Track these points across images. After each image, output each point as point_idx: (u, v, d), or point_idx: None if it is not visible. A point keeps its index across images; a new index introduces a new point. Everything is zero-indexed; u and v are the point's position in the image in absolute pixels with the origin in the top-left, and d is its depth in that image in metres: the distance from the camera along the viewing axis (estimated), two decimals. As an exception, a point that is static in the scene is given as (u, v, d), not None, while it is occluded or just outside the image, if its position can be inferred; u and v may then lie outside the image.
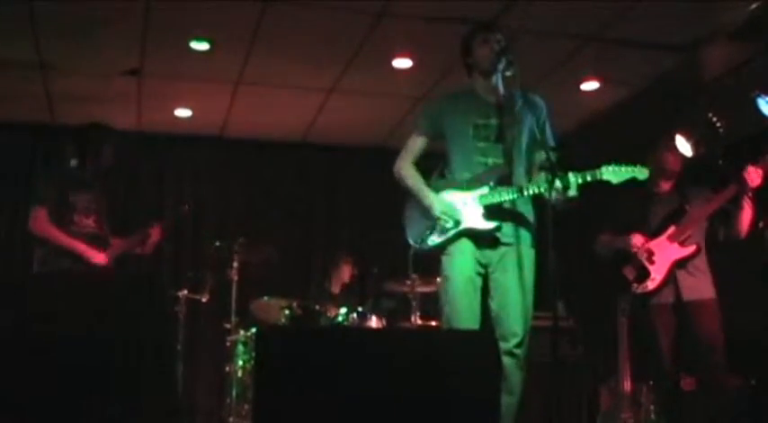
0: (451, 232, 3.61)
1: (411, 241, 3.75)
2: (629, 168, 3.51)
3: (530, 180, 3.64)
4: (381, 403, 2.61)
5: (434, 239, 3.65)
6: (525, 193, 3.54)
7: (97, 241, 4.74)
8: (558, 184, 3.33)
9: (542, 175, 3.41)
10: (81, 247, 4.62)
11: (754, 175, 4.23)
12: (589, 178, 3.46)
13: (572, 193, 3.37)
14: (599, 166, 3.48)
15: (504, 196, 3.56)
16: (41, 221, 4.62)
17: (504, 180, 3.60)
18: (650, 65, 5.81)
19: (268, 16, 5.15)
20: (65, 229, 4.64)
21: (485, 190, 3.59)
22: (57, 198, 4.68)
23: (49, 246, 4.61)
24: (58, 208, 4.66)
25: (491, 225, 3.58)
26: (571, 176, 3.39)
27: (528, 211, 3.67)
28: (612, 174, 3.48)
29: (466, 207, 3.61)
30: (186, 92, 6.52)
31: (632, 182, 3.53)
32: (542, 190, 3.41)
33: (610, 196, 4.78)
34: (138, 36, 5.42)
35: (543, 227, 3.41)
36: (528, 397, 3.58)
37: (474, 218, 3.60)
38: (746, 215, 4.35)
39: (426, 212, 3.68)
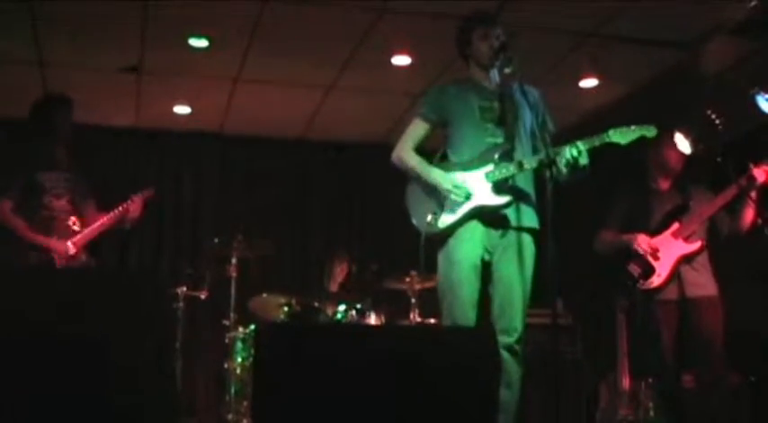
0: (463, 209, 3.55)
1: (419, 226, 3.66)
2: (637, 128, 3.46)
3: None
4: (380, 400, 2.61)
5: (445, 221, 3.57)
6: (526, 167, 3.49)
7: (65, 228, 4.53)
8: (568, 155, 3.35)
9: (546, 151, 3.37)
10: (43, 242, 4.44)
11: (760, 173, 4.24)
12: (597, 143, 3.42)
13: (583, 161, 3.36)
14: (605, 131, 3.45)
15: (512, 170, 3.52)
16: (5, 212, 4.45)
17: (507, 156, 3.57)
18: (649, 61, 5.80)
19: (267, 13, 5.14)
20: (34, 213, 4.46)
21: (490, 167, 3.55)
22: (23, 182, 4.49)
23: (14, 238, 4.44)
24: (25, 192, 4.49)
25: (503, 200, 3.53)
26: (579, 143, 3.39)
27: (532, 195, 3.64)
28: (620, 135, 3.44)
29: (474, 185, 3.57)
30: (185, 89, 6.52)
31: (641, 140, 3.47)
32: (543, 158, 3.34)
33: (609, 192, 4.79)
34: (136, 33, 5.41)
35: (543, 222, 3.41)
36: (527, 393, 3.57)
37: (484, 194, 3.55)
38: (750, 211, 4.36)
39: (432, 193, 3.64)
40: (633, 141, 3.47)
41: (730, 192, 4.35)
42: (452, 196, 3.56)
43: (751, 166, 4.27)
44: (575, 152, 3.37)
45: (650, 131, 3.49)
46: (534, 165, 3.48)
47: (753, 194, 4.29)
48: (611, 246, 4.66)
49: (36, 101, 4.76)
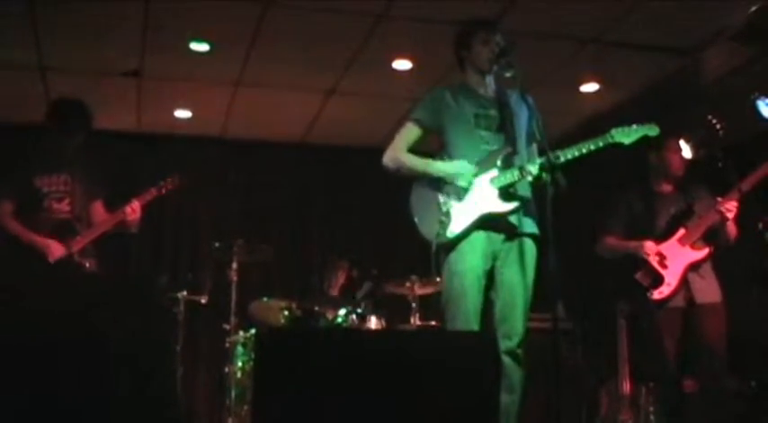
0: (472, 217, 3.51)
1: (427, 236, 3.59)
2: (639, 127, 3.50)
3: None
4: (381, 404, 2.61)
5: (453, 230, 3.52)
6: (527, 172, 3.45)
7: (64, 230, 4.48)
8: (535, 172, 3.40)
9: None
10: (38, 241, 4.40)
11: (729, 208, 4.28)
12: (601, 143, 3.44)
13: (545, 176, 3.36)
14: (608, 131, 3.47)
15: (516, 176, 3.50)
16: (4, 214, 4.43)
17: (509, 161, 3.55)
18: (650, 67, 5.81)
19: (268, 17, 5.15)
20: (35, 218, 4.44)
21: (495, 172, 3.54)
22: (23, 187, 4.47)
23: (11, 241, 4.40)
24: (25, 198, 4.47)
25: (510, 206, 3.51)
26: (588, 144, 3.43)
27: (531, 200, 3.62)
28: (623, 135, 3.47)
29: (480, 191, 3.55)
30: (186, 93, 6.52)
31: (644, 140, 3.52)
32: (544, 162, 3.34)
33: (611, 195, 4.78)
34: (138, 37, 5.42)
35: (543, 227, 3.40)
36: (527, 399, 3.57)
37: (491, 201, 3.53)
38: (732, 226, 4.42)
39: (435, 203, 3.60)
40: (637, 141, 3.50)
41: (730, 198, 4.34)
42: (462, 181, 3.54)
43: (719, 200, 4.30)
44: (534, 170, 3.41)
45: (653, 130, 3.53)
46: (535, 172, 3.44)
47: (731, 219, 4.31)
48: (616, 251, 4.62)
49: (49, 104, 4.71)
